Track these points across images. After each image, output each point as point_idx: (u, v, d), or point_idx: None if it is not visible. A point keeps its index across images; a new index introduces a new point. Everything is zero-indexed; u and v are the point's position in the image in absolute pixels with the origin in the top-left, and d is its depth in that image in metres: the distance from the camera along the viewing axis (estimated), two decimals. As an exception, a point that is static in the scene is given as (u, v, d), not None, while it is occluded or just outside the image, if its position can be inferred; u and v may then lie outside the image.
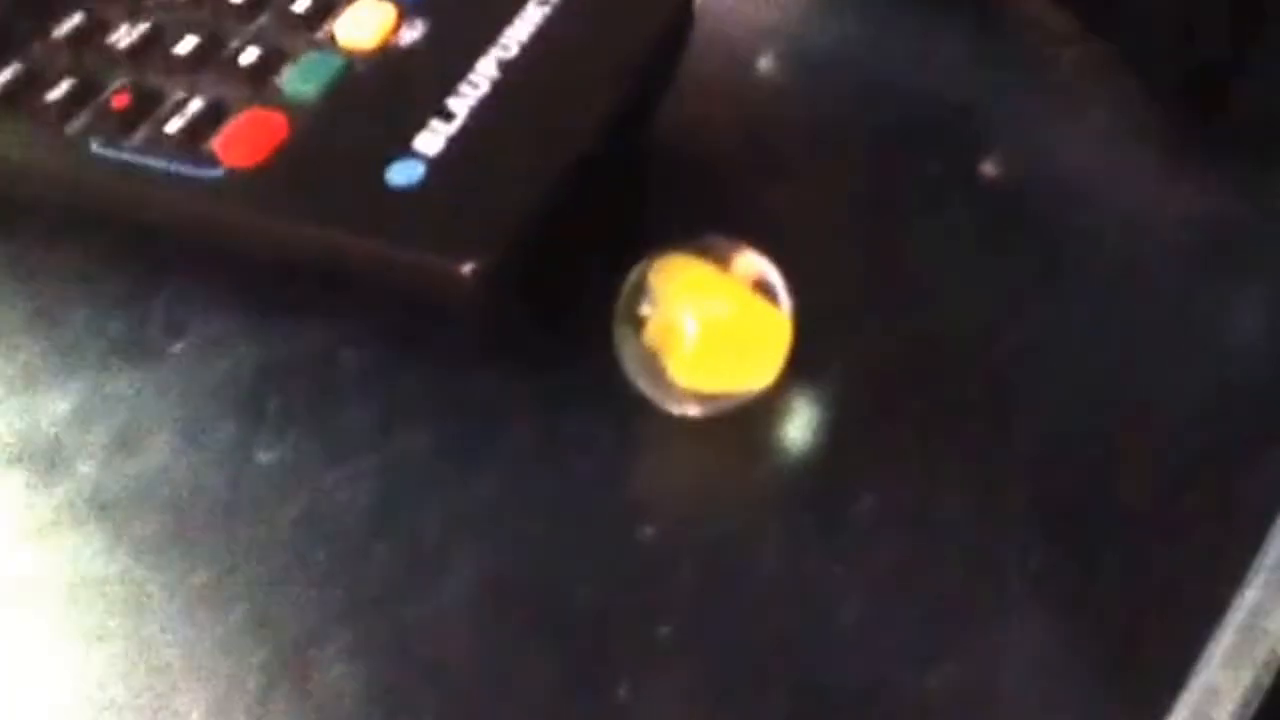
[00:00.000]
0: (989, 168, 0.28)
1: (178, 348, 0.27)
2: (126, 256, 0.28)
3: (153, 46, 0.28)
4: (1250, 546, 0.22)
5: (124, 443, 0.26)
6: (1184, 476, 0.24)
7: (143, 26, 0.29)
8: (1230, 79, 0.27)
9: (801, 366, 0.25)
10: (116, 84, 0.27)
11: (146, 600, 0.24)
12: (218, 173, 0.26)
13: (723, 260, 0.25)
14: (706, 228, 0.25)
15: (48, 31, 0.29)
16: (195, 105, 0.27)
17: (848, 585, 0.23)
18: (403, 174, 0.25)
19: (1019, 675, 0.22)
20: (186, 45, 0.28)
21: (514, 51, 0.27)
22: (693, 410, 0.25)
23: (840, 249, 0.28)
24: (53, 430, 0.26)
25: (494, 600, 0.23)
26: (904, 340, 0.26)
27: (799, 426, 0.25)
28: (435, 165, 0.25)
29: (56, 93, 0.27)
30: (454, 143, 0.26)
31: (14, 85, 0.28)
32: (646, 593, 0.23)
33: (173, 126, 0.26)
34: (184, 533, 0.24)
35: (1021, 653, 0.22)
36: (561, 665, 0.22)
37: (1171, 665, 0.22)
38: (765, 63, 0.31)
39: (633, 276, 0.25)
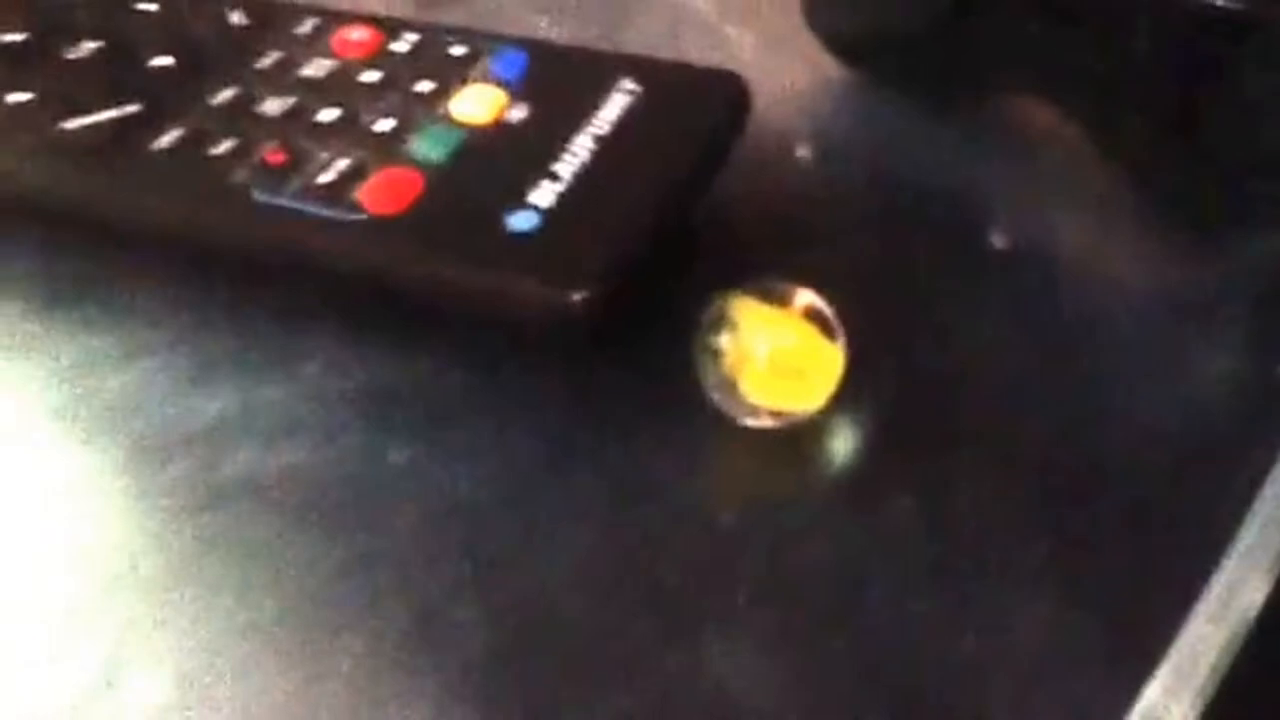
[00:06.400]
0: (994, 239, 0.34)
1: (309, 369, 0.32)
2: (263, 290, 0.33)
3: (298, 115, 0.33)
4: (1224, 537, 0.27)
5: (271, 440, 0.30)
6: (1166, 483, 0.29)
7: (289, 100, 0.34)
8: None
9: (849, 391, 0.30)
10: (270, 144, 0.32)
11: (293, 569, 0.28)
12: (363, 219, 0.31)
13: (786, 298, 0.30)
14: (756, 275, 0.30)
15: (205, 101, 0.34)
16: (341, 163, 0.32)
17: (883, 567, 0.28)
18: (521, 222, 0.30)
19: (1026, 643, 0.27)
20: (328, 115, 0.33)
21: (605, 129, 0.32)
22: (759, 423, 0.30)
23: (869, 301, 0.33)
24: (210, 427, 0.30)
25: (599, 573, 0.28)
26: (927, 374, 0.31)
27: (845, 440, 0.30)
28: (548, 215, 0.31)
29: (219, 149, 0.32)
30: (562, 198, 0.31)
31: (179, 143, 0.33)
32: (726, 569, 0.28)
33: (324, 179, 0.31)
34: (327, 514, 0.29)
35: (1029, 624, 0.27)
36: (660, 625, 0.27)
37: (1158, 633, 0.27)
38: (801, 150, 0.36)
39: (711, 310, 0.30)
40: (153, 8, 0.37)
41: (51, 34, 0.36)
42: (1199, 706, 0.25)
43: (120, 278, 0.33)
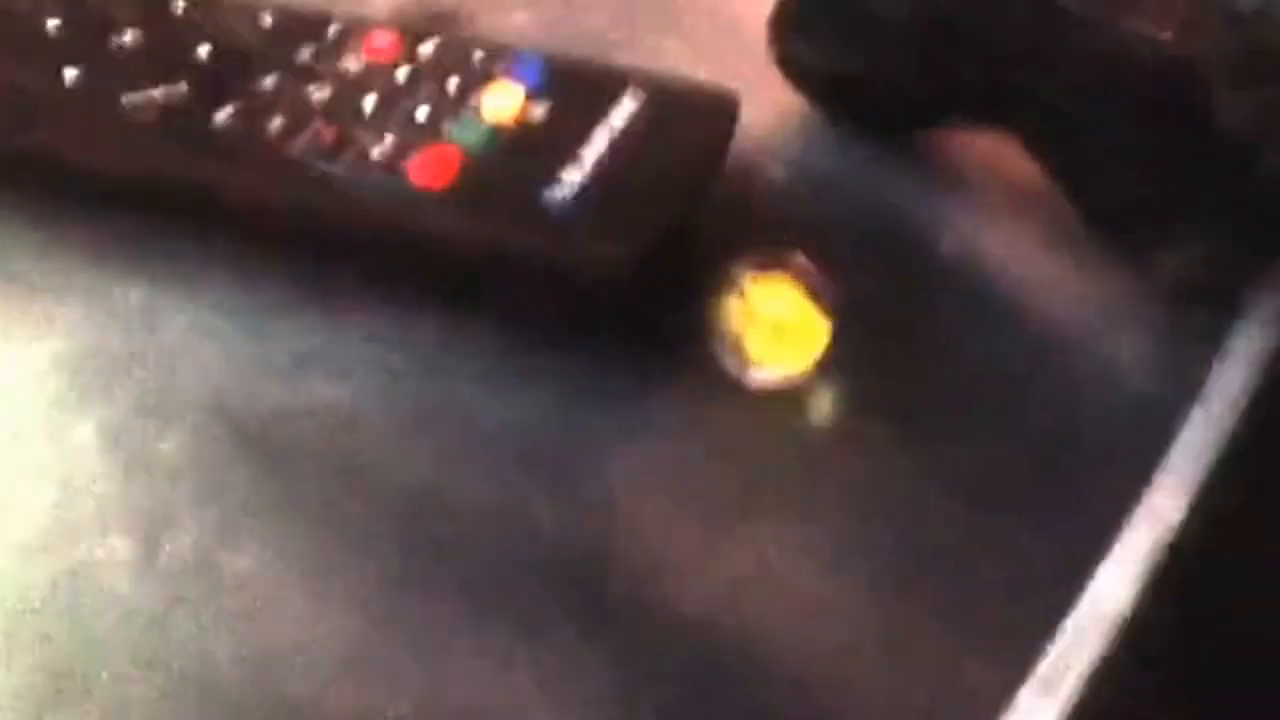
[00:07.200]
0: (949, 245, 0.39)
1: (364, 321, 0.35)
2: (311, 254, 0.36)
3: (341, 101, 0.37)
4: (1155, 462, 0.33)
5: (344, 374, 0.34)
6: (1104, 429, 0.35)
7: (329, 88, 0.37)
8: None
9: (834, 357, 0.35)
10: (319, 124, 0.36)
11: (377, 469, 0.32)
12: (414, 189, 0.35)
13: (787, 270, 0.34)
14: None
15: (250, 87, 0.37)
16: (387, 140, 0.36)
17: (889, 486, 0.33)
18: (555, 196, 0.35)
19: (1017, 546, 0.32)
20: (368, 103, 0.37)
21: (620, 125, 0.37)
22: (764, 377, 0.34)
23: (840, 291, 0.37)
24: (286, 362, 0.34)
25: (643, 482, 0.32)
26: (891, 351, 0.36)
27: (827, 393, 0.35)
28: (578, 192, 0.35)
29: (273, 126, 0.36)
30: (588, 179, 0.35)
31: (235, 119, 0.36)
32: (754, 489, 0.32)
33: (376, 153, 0.35)
34: (403, 430, 0.33)
35: (1021, 533, 0.32)
36: (710, 531, 0.31)
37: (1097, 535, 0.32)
38: (775, 168, 0.41)
39: (722, 279, 0.34)
40: (182, 6, 0.40)
41: (89, 23, 0.39)
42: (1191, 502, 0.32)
43: (173, 237, 0.36)
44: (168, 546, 0.29)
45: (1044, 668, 0.30)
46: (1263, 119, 0.35)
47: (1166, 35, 0.35)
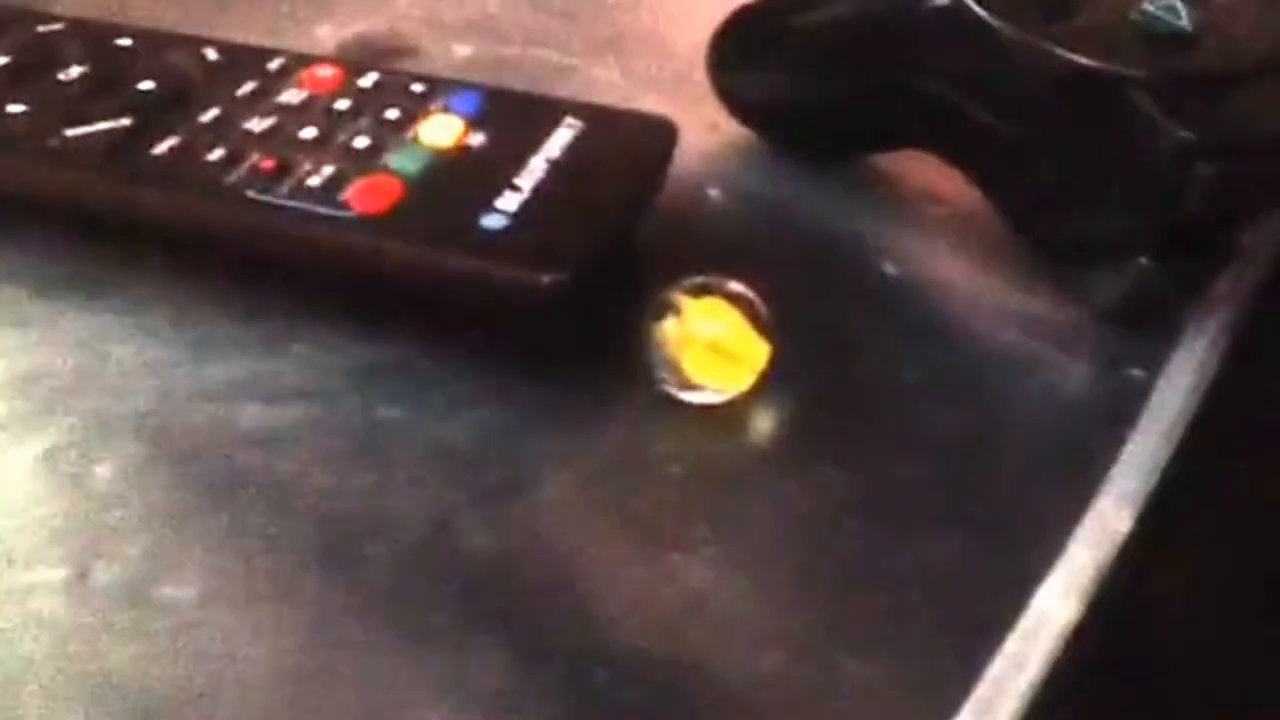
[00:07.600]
0: (887, 268, 0.40)
1: (299, 348, 0.36)
2: (250, 280, 0.37)
3: (281, 132, 0.37)
4: (1097, 483, 0.33)
5: (276, 400, 0.34)
6: (1045, 446, 0.35)
7: (269, 120, 0.38)
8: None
9: (773, 376, 0.35)
10: (259, 154, 0.36)
11: (311, 498, 0.32)
12: (351, 216, 0.35)
13: (724, 291, 0.35)
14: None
15: (192, 118, 0.38)
16: (326, 170, 0.36)
17: (811, 508, 0.33)
18: (492, 221, 0.35)
19: (936, 561, 0.32)
20: (308, 134, 0.37)
21: (556, 154, 0.37)
22: (699, 398, 0.34)
23: (781, 310, 0.38)
24: (221, 389, 0.34)
25: (576, 507, 0.32)
26: (828, 371, 0.36)
27: (774, 415, 0.35)
28: (514, 217, 0.35)
29: (213, 156, 0.36)
30: (525, 204, 0.36)
31: (176, 150, 0.37)
32: (683, 508, 0.33)
33: (313, 181, 0.36)
34: (334, 457, 0.33)
35: (940, 548, 0.32)
36: (632, 547, 0.31)
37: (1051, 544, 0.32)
38: (714, 192, 0.42)
39: (659, 300, 0.34)
40: (129, 42, 0.41)
41: (36, 59, 0.40)
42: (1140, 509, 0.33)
43: (117, 267, 0.37)
44: (103, 571, 0.30)
45: (984, 687, 0.30)
46: (1192, 143, 0.36)
47: (1093, 59, 0.35)
